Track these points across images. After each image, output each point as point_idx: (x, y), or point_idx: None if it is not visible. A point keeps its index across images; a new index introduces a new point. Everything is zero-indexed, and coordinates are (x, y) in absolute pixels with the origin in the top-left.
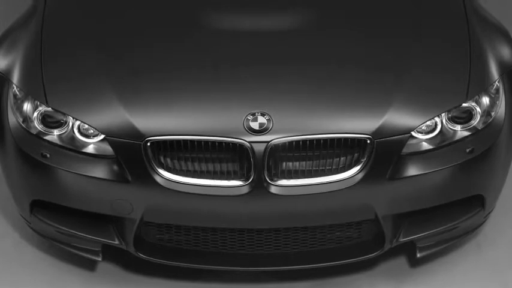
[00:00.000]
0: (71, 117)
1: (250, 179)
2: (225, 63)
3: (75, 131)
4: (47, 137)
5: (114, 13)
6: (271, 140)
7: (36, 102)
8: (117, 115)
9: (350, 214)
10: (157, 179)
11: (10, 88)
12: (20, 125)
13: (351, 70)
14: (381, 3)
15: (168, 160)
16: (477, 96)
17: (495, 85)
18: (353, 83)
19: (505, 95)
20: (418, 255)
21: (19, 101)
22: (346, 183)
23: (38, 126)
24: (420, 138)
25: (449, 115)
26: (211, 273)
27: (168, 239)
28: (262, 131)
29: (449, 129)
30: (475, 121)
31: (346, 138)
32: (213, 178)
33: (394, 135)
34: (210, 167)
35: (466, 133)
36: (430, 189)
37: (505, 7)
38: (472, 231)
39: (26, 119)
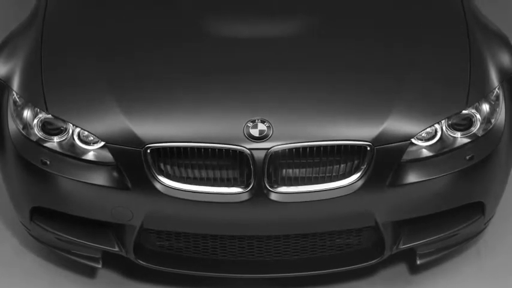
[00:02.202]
0: (71, 124)
1: (250, 186)
2: (225, 70)
3: (75, 138)
4: (47, 144)
5: (114, 20)
6: (271, 147)
7: (36, 109)
8: (117, 122)
9: (350, 221)
10: (157, 186)
11: (10, 95)
12: (20, 132)
13: (350, 77)
14: (381, 11)
15: (168, 167)
16: (477, 103)
17: (495, 92)
18: (353, 90)
19: (505, 102)
20: (418, 262)
21: (19, 108)
22: (346, 190)
23: (38, 133)
24: (420, 145)
25: (449, 122)
26: (211, 280)
27: (168, 246)
28: (262, 138)
29: (449, 136)
30: (475, 128)
31: (346, 145)
32: (213, 185)
33: (394, 142)
34: (210, 173)
35: (466, 140)
36: (430, 196)
37: (505, 13)
38: (472, 238)
39: (26, 126)
